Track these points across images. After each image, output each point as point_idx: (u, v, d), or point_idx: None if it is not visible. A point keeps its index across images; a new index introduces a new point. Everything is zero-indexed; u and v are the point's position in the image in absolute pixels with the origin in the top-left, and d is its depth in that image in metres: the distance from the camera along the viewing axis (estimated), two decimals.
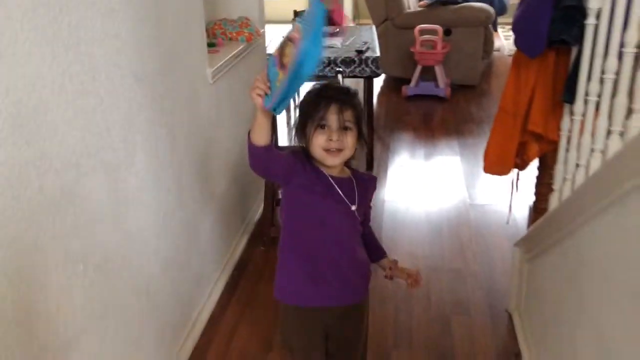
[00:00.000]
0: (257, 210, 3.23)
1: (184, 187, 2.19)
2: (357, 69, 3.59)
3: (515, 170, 2.19)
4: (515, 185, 2.26)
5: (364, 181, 1.54)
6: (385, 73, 5.62)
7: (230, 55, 2.68)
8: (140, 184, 1.82)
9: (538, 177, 2.25)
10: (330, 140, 1.40)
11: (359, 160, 3.85)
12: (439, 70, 5.15)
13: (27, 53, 1.26)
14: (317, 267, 1.51)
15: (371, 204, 1.64)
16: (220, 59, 2.58)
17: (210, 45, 2.70)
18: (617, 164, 1.30)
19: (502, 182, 2.50)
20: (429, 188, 3.59)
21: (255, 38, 2.96)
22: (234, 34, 2.88)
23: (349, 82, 5.19)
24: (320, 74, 3.60)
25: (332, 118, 1.40)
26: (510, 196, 2.34)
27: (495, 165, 2.13)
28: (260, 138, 1.34)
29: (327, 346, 1.61)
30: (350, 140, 1.42)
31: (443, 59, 5.14)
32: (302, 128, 1.44)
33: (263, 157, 1.38)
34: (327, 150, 1.41)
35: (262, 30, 3.26)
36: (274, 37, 3.62)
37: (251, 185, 3.13)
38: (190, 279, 2.28)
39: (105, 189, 1.61)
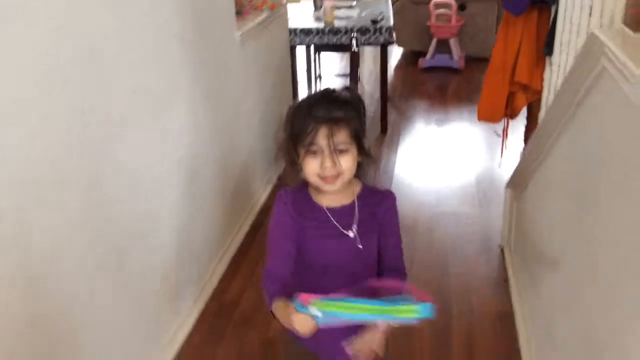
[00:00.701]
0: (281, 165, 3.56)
1: (215, 137, 2.52)
2: (372, 37, 3.89)
3: (505, 119, 2.48)
4: (505, 131, 2.55)
5: (371, 205, 1.30)
6: (402, 47, 5.91)
7: (255, 22, 3.00)
8: (180, 127, 2.17)
9: (526, 125, 2.55)
10: (324, 165, 1.20)
11: (372, 128, 4.16)
12: (453, 43, 5.41)
13: (95, 14, 1.61)
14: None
15: (397, 231, 1.35)
16: (246, 25, 2.91)
17: (238, 13, 3.02)
18: (571, 77, 1.59)
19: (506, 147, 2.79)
20: (438, 149, 3.89)
21: (277, 7, 3.28)
22: (259, 3, 3.20)
23: (366, 50, 5.48)
24: (338, 43, 3.91)
25: (323, 143, 1.19)
26: (501, 141, 2.63)
27: (488, 113, 2.43)
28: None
29: None
30: (347, 162, 1.21)
31: (458, 32, 5.40)
32: (291, 150, 1.24)
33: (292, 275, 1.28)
34: (323, 178, 1.22)
35: (285, 1, 3.58)
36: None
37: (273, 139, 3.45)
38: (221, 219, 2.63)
39: (150, 131, 1.96)
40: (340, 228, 1.28)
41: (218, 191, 2.59)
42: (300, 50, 4.70)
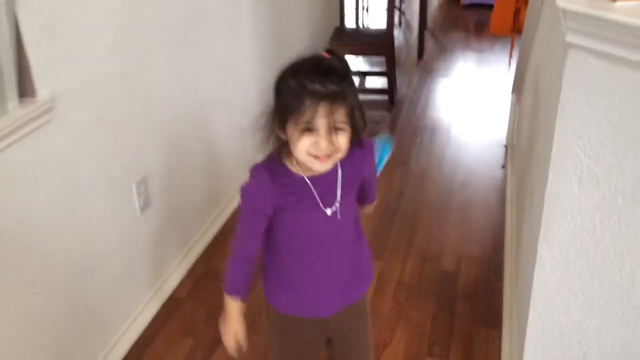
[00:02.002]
0: None
1: (269, 48, 3.10)
2: None
3: (513, 34, 2.97)
4: (512, 44, 3.04)
5: (353, 163, 1.24)
6: None
7: None
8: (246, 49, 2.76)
9: None
10: (319, 146, 1.12)
11: (410, 54, 4.67)
12: None
13: None
14: (312, 283, 1.32)
15: (375, 181, 1.41)
16: None
17: None
18: None
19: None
20: (465, 72, 4.38)
21: None
22: None
23: None
24: None
25: (321, 122, 1.10)
26: (510, 52, 3.12)
27: (498, 28, 2.91)
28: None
29: (332, 352, 1.46)
30: (343, 141, 1.13)
31: None
32: (280, 123, 1.14)
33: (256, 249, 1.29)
34: (316, 157, 1.14)
35: None
36: None
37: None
38: None
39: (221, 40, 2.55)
40: (321, 204, 1.22)
41: None
42: None
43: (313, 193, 1.21)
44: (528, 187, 1.80)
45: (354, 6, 4.74)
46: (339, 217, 1.25)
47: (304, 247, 1.27)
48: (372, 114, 3.83)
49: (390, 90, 3.79)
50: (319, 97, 1.08)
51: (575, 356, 1.34)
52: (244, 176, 1.24)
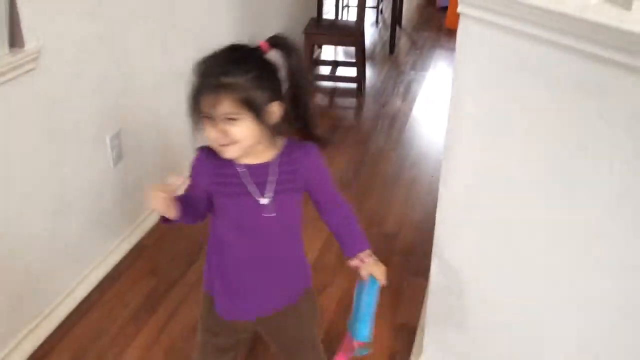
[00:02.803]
0: None
1: (242, 28, 3.34)
2: None
3: None
4: None
5: (290, 162, 1.22)
6: None
7: None
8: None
9: None
10: (211, 136, 1.13)
11: (383, 49, 4.94)
12: None
13: None
14: (237, 278, 1.30)
15: (329, 185, 1.32)
16: None
17: None
18: None
19: None
20: (436, 68, 4.66)
21: None
22: None
23: None
24: None
25: (209, 111, 1.11)
26: None
27: (453, 23, 3.18)
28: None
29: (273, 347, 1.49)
30: (239, 130, 1.12)
31: None
32: (192, 110, 1.14)
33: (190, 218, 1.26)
34: (220, 145, 1.15)
35: None
36: None
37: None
38: None
39: None
40: (253, 192, 1.21)
41: None
42: None
43: (244, 181, 1.20)
44: None
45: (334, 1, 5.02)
46: (272, 211, 1.22)
47: (229, 238, 1.27)
48: (341, 101, 4.11)
49: (359, 79, 4.06)
50: (205, 86, 1.10)
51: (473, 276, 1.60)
52: None
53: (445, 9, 6.14)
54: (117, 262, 2.32)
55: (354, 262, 1.32)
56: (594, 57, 1.08)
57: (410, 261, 2.39)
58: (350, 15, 5.71)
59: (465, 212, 1.52)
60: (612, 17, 1.03)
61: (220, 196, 1.24)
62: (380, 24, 5.83)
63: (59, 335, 1.98)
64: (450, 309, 1.68)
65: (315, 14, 4.38)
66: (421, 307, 2.13)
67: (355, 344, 1.32)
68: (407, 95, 4.10)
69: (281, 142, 1.23)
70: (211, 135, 1.14)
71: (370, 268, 1.30)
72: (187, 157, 1.34)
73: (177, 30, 2.55)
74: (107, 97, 2.17)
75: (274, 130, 1.18)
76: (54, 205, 1.96)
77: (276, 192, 1.22)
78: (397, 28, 5.12)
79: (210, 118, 1.12)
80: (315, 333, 1.48)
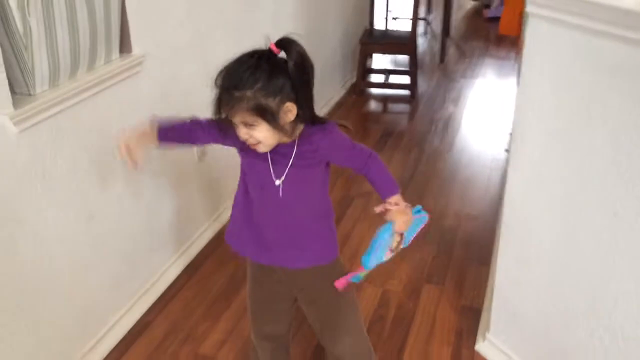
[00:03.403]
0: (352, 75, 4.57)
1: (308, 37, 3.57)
2: None
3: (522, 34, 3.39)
4: (522, 41, 3.45)
5: (311, 143, 1.35)
6: None
7: None
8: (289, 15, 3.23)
9: None
10: (239, 136, 1.30)
11: (433, 58, 5.11)
12: None
13: None
14: (259, 224, 1.44)
15: (354, 150, 1.43)
16: None
17: None
18: None
19: None
20: (485, 75, 4.81)
21: None
22: None
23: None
24: None
25: (231, 118, 1.28)
26: (517, 49, 3.54)
27: (507, 28, 3.35)
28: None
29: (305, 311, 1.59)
30: (259, 134, 1.27)
31: None
32: (218, 118, 1.31)
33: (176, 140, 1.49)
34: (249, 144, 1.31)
35: None
36: None
37: (350, 51, 4.48)
38: None
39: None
40: (271, 168, 1.36)
41: None
42: None
43: (268, 154, 1.34)
44: None
45: (384, 12, 5.19)
46: (282, 192, 1.36)
47: (256, 193, 1.42)
48: (395, 106, 4.30)
49: (412, 85, 4.23)
50: (223, 102, 1.25)
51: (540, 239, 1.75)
52: None
53: (493, 19, 6.29)
54: (201, 248, 2.54)
55: (379, 208, 1.43)
56: None
57: (470, 251, 2.54)
58: (398, 26, 5.90)
59: (532, 192, 1.67)
60: None
61: (245, 157, 1.41)
62: (429, 35, 6.01)
63: (154, 312, 2.20)
64: (517, 286, 1.83)
65: (368, 25, 4.58)
66: (485, 291, 2.28)
67: (358, 269, 1.42)
68: (459, 101, 4.26)
69: (300, 129, 1.34)
70: (241, 136, 1.30)
71: (392, 215, 1.40)
72: None
73: (248, 37, 2.77)
74: (195, 100, 2.40)
75: (293, 126, 1.31)
76: (149, 197, 2.19)
77: (292, 166, 1.35)
78: (446, 38, 5.28)
79: (234, 123, 1.29)
80: (349, 308, 1.55)
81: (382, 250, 1.42)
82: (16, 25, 1.51)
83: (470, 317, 2.18)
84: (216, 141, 1.44)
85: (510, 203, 1.77)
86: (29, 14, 1.52)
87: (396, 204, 1.42)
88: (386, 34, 4.54)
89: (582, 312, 1.61)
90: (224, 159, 2.68)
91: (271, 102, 1.24)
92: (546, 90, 1.54)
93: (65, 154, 1.75)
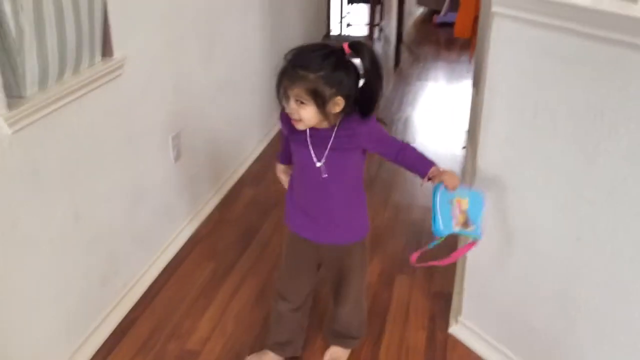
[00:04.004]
0: None
1: (271, 47, 3.66)
2: None
3: (473, 37, 3.58)
4: (474, 44, 3.64)
5: (349, 129, 1.52)
6: (422, 6, 6.98)
7: None
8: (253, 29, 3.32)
9: None
10: (287, 110, 1.48)
11: (387, 63, 5.28)
12: None
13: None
14: (305, 205, 1.66)
15: (387, 140, 1.63)
16: None
17: None
18: None
19: None
20: (439, 77, 5.01)
21: None
22: None
23: (392, 7, 6.53)
24: None
25: (287, 92, 1.45)
26: (470, 51, 3.72)
27: (461, 31, 3.52)
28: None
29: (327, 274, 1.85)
30: (305, 113, 1.45)
31: None
32: (278, 94, 1.50)
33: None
34: (292, 119, 1.49)
35: None
36: None
37: None
38: None
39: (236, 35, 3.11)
40: (312, 150, 1.54)
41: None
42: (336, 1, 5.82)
43: (307, 138, 1.54)
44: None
45: (339, 20, 5.37)
46: (326, 171, 1.55)
47: (300, 177, 1.65)
48: None
49: None
50: (286, 76, 1.43)
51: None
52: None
53: (442, 24, 6.52)
54: (180, 248, 2.59)
55: (424, 181, 1.62)
56: (608, 41, 1.39)
57: None
58: (352, 33, 6.07)
59: (500, 179, 1.81)
60: (622, 7, 1.34)
61: (292, 142, 1.61)
62: (382, 41, 6.19)
63: (139, 309, 2.25)
64: (487, 271, 1.96)
65: (325, 32, 4.72)
66: (454, 278, 2.41)
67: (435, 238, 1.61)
68: (415, 103, 4.43)
69: (340, 118, 1.52)
70: (288, 108, 1.48)
71: (438, 177, 1.59)
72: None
73: (219, 44, 2.86)
74: (170, 102, 2.46)
75: (335, 116, 1.50)
76: (130, 197, 2.24)
77: (331, 149, 1.53)
78: (400, 43, 5.45)
79: (288, 96, 1.46)
80: (363, 271, 1.84)
81: (446, 213, 1.56)
82: (9, 28, 1.56)
83: (441, 302, 2.31)
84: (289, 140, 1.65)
85: (480, 188, 1.90)
86: (21, 17, 1.57)
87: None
88: (342, 39, 4.68)
89: (551, 289, 1.75)
90: (199, 159, 2.75)
91: (327, 91, 1.42)
92: (511, 81, 1.68)
93: (54, 154, 1.79)
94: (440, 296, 2.35)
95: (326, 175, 1.56)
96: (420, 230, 2.77)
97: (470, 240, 1.70)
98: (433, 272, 2.47)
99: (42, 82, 1.72)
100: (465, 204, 1.59)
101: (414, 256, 1.65)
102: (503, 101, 1.72)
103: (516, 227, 1.81)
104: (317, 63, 1.41)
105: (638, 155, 1.43)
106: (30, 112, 1.65)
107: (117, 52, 2.04)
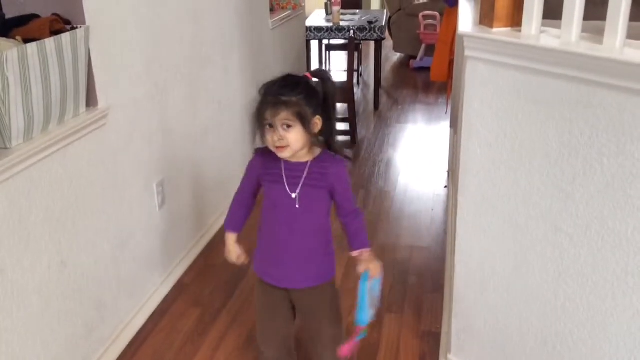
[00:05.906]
0: None
1: (247, 88, 3.73)
2: (368, 34, 5.14)
3: (450, 80, 3.67)
4: (450, 87, 3.73)
5: (321, 167, 1.61)
6: (398, 52, 7.14)
7: (282, 16, 4.25)
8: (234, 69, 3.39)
9: None
10: (274, 138, 1.52)
11: (367, 106, 5.38)
12: None
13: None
14: (273, 245, 1.70)
15: (349, 193, 1.69)
16: (276, 17, 4.15)
17: (271, 9, 4.27)
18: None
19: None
20: (418, 119, 5.10)
21: (298, 7, 4.52)
22: (284, 4, 4.45)
23: (369, 54, 6.66)
24: (343, 37, 5.14)
25: (274, 120, 1.51)
26: (447, 97, 3.81)
27: (437, 75, 3.61)
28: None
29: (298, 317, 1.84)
30: (293, 136, 1.52)
31: None
32: (256, 123, 1.57)
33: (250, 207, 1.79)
34: (276, 147, 1.54)
35: (303, 4, 4.84)
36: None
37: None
38: None
39: (219, 78, 3.17)
40: (287, 184, 1.61)
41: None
42: (315, 49, 5.95)
43: (282, 172, 1.61)
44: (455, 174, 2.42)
45: (318, 65, 5.48)
46: (299, 202, 1.60)
47: (270, 216, 1.68)
48: None
49: (352, 131, 4.45)
50: (268, 102, 1.51)
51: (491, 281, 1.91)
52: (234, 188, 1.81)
53: (419, 69, 6.68)
54: (165, 295, 2.57)
55: (354, 254, 1.71)
56: (578, 80, 1.45)
57: (424, 280, 2.70)
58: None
59: (481, 217, 1.85)
60: (589, 48, 1.41)
61: (265, 182, 1.67)
62: (361, 85, 6.31)
63: (126, 358, 2.22)
64: (473, 308, 1.98)
65: None
66: (442, 316, 2.42)
67: (357, 329, 1.64)
68: (396, 144, 4.50)
69: (318, 152, 1.63)
70: (271, 140, 1.55)
71: (365, 264, 1.67)
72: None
73: (202, 90, 2.91)
74: (154, 149, 2.49)
75: (315, 138, 1.60)
76: (115, 244, 2.24)
77: (303, 186, 1.60)
78: (379, 87, 5.57)
79: (272, 126, 1.53)
80: (336, 315, 1.83)
81: (370, 302, 1.62)
82: None
83: (430, 341, 2.32)
84: (257, 185, 1.72)
85: (461, 230, 1.94)
86: (7, 70, 1.60)
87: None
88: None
89: (535, 324, 1.77)
90: (184, 204, 2.76)
91: (308, 111, 1.53)
92: (487, 121, 1.73)
93: (39, 203, 1.80)
94: (430, 334, 2.35)
95: (298, 207, 1.61)
96: (405, 270, 2.79)
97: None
98: (421, 311, 2.48)
99: (27, 133, 1.74)
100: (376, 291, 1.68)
101: (345, 349, 1.69)
102: (480, 141, 1.77)
103: (499, 264, 1.84)
104: (293, 89, 1.53)
105: (612, 189, 1.47)
106: (15, 163, 1.67)
107: (102, 102, 2.07)
